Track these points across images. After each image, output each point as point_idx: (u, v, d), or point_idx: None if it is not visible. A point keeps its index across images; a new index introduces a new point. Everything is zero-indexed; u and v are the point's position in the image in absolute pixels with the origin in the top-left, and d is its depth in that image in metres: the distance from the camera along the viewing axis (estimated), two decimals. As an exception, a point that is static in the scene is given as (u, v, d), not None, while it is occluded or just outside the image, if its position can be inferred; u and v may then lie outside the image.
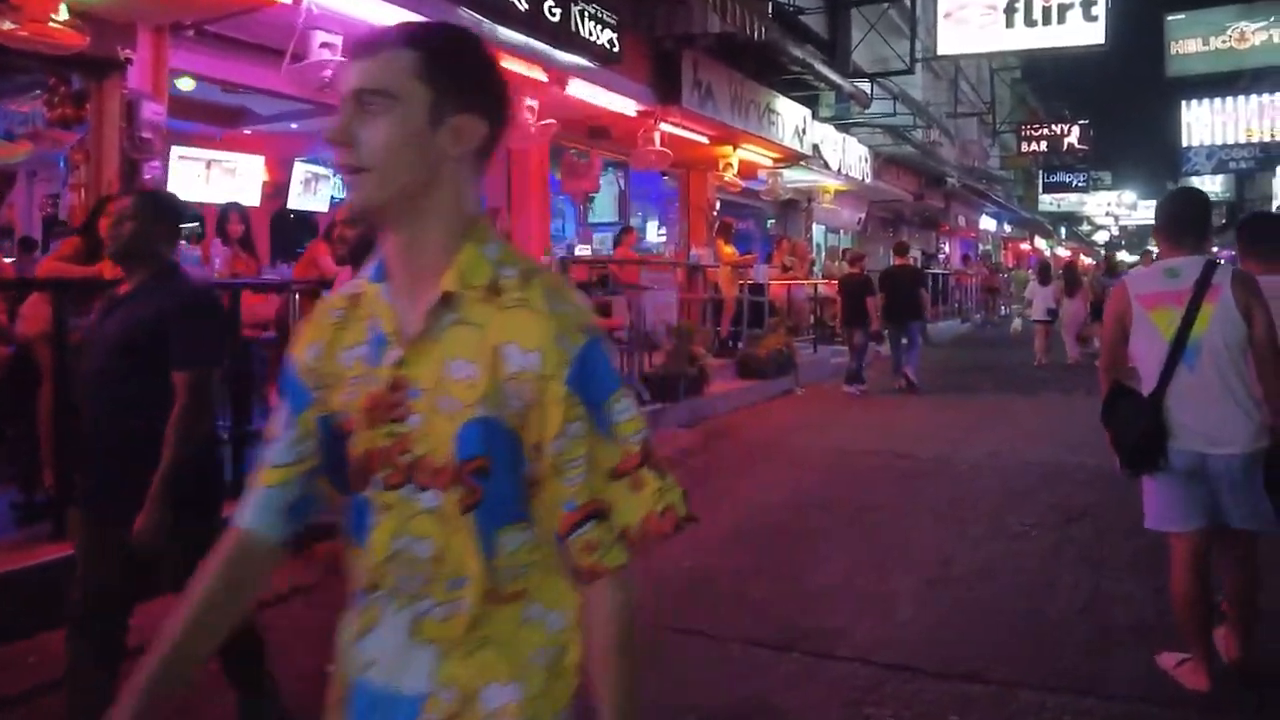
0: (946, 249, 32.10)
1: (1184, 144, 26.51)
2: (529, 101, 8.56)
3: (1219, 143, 25.82)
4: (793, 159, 13.17)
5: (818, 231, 19.84)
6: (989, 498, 6.45)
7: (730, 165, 12.52)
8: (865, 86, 13.52)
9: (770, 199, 14.71)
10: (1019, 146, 29.79)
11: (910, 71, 16.50)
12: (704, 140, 11.03)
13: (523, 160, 9.66)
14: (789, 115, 12.39)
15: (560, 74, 7.90)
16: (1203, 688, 3.31)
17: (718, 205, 13.91)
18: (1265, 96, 24.45)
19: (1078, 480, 6.63)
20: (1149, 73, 23.21)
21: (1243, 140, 25.31)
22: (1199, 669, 3.34)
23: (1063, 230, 49.69)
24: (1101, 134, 38.90)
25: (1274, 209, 26.92)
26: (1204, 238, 3.54)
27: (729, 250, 12.25)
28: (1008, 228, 37.39)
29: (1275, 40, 19.62)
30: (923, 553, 5.18)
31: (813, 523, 5.87)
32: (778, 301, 13.54)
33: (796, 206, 18.11)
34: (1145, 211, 50.66)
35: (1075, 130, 28.45)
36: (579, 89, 8.44)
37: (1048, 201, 39.34)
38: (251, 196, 11.48)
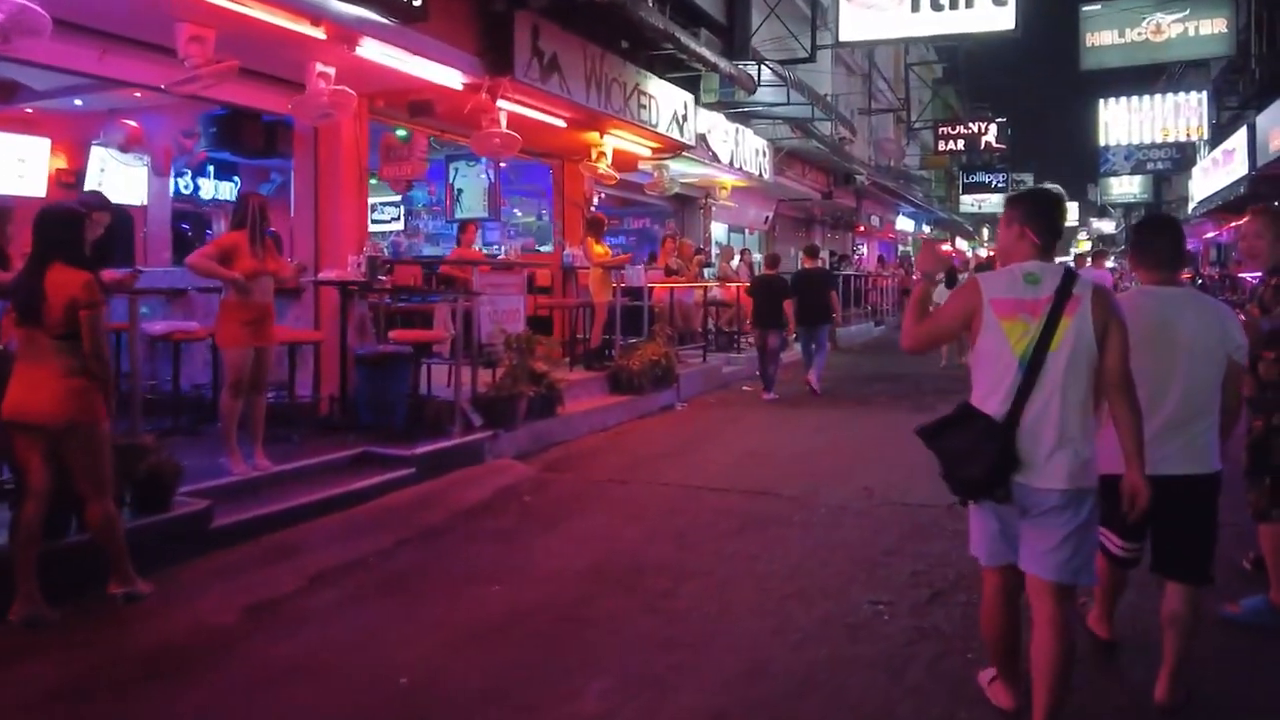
0: (864, 250, 31.31)
1: (1101, 143, 25.97)
2: (320, 67, 7.08)
3: (1136, 142, 25.31)
4: (674, 149, 11.85)
5: (719, 231, 18.60)
6: (841, 560, 5.17)
7: (603, 155, 11.17)
8: (756, 72, 12.26)
9: (657, 194, 13.40)
10: (936, 146, 29.04)
11: (811, 59, 15.33)
12: (560, 123, 9.64)
13: (332, 140, 8.15)
14: (666, 99, 11.06)
15: (343, 30, 6.44)
16: (1008, 706, 3.27)
17: (595, 200, 12.55)
18: (1180, 95, 23.99)
19: (955, 532, 5.37)
20: (1069, 72, 22.53)
21: (1159, 140, 24.82)
22: (1005, 688, 3.29)
23: (985, 231, 49.55)
24: (1023, 136, 38.70)
25: (1189, 211, 26.57)
26: (1057, 244, 3.14)
27: (600, 249, 10.88)
28: (927, 229, 36.78)
29: (1190, 33, 18.99)
30: (727, 659, 3.84)
31: (607, 606, 4.50)
32: (660, 307, 12.23)
33: (694, 204, 16.86)
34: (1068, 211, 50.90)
35: (992, 129, 27.80)
36: (377, 52, 6.97)
37: (969, 202, 38.86)
38: (36, 185, 9.86)
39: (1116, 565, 3.62)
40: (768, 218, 20.48)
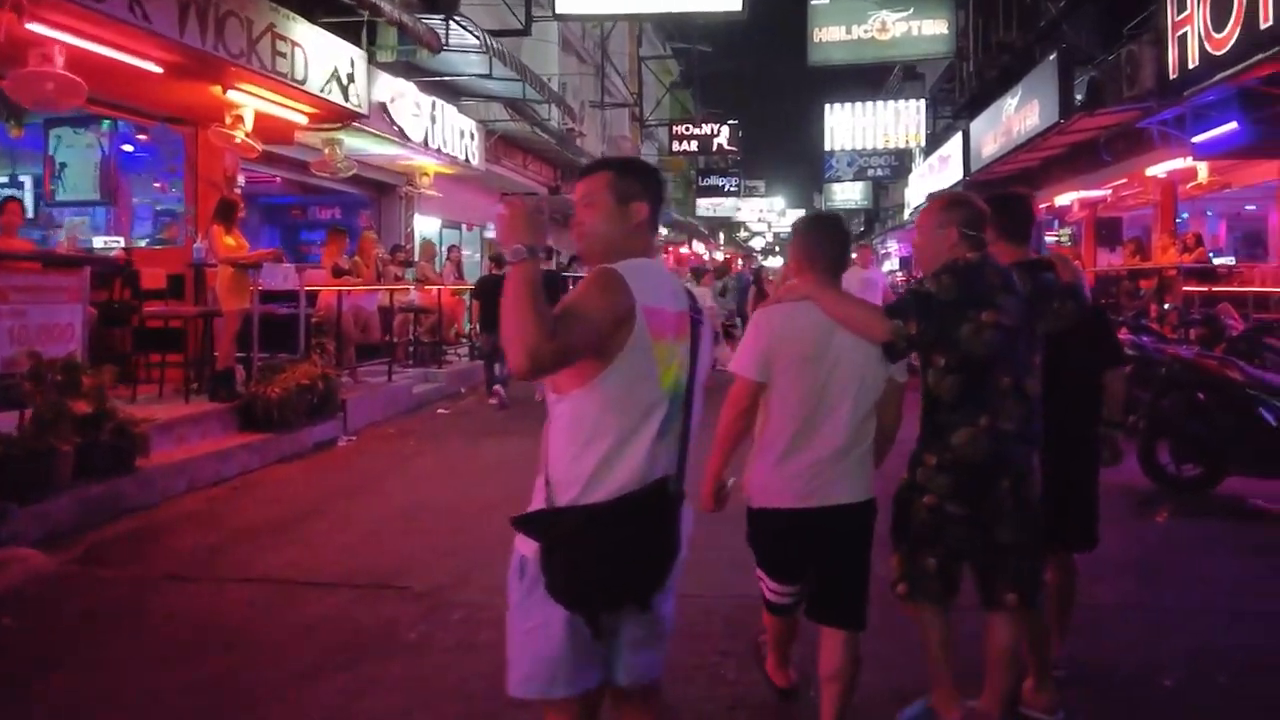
0: (603, 251, 30.10)
1: (827, 148, 26.14)
2: None
3: (859, 148, 25.63)
4: (340, 118, 9.54)
5: (430, 225, 16.29)
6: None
7: (241, 119, 8.70)
8: (444, 30, 10.17)
9: (327, 175, 11.00)
10: (671, 146, 28.30)
11: (526, 32, 13.50)
12: (154, 68, 7.14)
13: None
14: (321, 51, 8.73)
15: None
16: None
17: (241, 180, 10.00)
18: (900, 102, 24.46)
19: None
20: (801, 79, 22.28)
21: (880, 146, 25.24)
22: None
23: (721, 235, 50.25)
24: (757, 144, 39.20)
25: (905, 216, 27.37)
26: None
27: (231, 241, 8.40)
28: (664, 230, 36.22)
29: (914, 32, 19.02)
30: None
31: None
32: (322, 315, 9.91)
33: (395, 192, 14.54)
34: (794, 217, 53.01)
35: (725, 131, 27.35)
36: None
37: (705, 206, 38.78)
38: None
39: (774, 613, 3.10)
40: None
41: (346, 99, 9.21)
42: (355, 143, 10.92)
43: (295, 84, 8.36)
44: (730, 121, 27.77)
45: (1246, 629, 4.15)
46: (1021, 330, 2.85)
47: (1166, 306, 10.82)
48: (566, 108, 16.61)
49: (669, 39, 33.97)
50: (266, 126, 9.15)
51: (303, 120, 9.32)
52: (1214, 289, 10.72)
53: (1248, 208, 19.33)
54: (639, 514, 1.98)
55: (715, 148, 28.00)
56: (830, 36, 19.82)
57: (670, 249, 41.37)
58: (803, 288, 2.87)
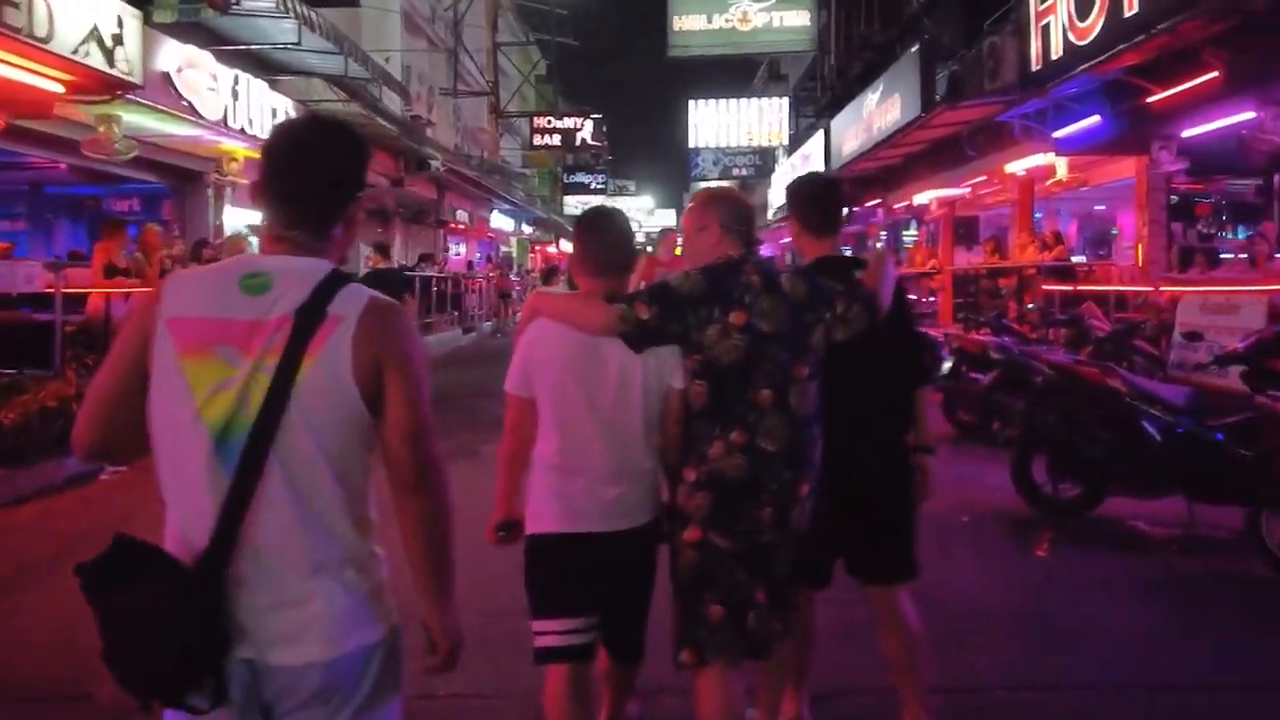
0: (463, 250, 28.75)
1: (691, 145, 25.55)
2: None
3: (724, 145, 25.14)
4: (104, 87, 8.03)
5: (245, 219, 14.61)
6: None
7: (-25, 88, 7.18)
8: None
9: (104, 157, 9.41)
10: (532, 140, 27.17)
11: (353, 2, 12.14)
12: None
13: None
14: (72, 5, 7.22)
15: None
16: None
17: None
18: (764, 100, 24.08)
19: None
20: (668, 78, 21.57)
21: (744, 145, 24.79)
22: None
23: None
24: (628, 146, 38.57)
25: (769, 217, 27.09)
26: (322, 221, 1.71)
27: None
28: (528, 228, 35.03)
29: (775, 23, 18.54)
30: None
31: None
32: (82, 322, 8.39)
33: (201, 181, 12.91)
34: (662, 217, 52.99)
35: (588, 125, 26.41)
36: None
37: (572, 204, 37.83)
38: None
39: (552, 659, 2.51)
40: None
41: (111, 64, 7.73)
42: (136, 119, 9.38)
43: (34, 42, 6.85)
44: (594, 116, 26.89)
45: (1166, 710, 3.38)
46: (787, 339, 2.52)
47: (1029, 306, 10.44)
48: (402, 89, 15.23)
49: (532, 29, 32.82)
50: (12, 97, 7.62)
51: (58, 89, 7.78)
52: (1077, 288, 10.38)
53: (1097, 208, 19.66)
54: (105, 583, 1.53)
55: (579, 142, 27.06)
56: (690, 25, 19.18)
57: (538, 248, 40.28)
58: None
